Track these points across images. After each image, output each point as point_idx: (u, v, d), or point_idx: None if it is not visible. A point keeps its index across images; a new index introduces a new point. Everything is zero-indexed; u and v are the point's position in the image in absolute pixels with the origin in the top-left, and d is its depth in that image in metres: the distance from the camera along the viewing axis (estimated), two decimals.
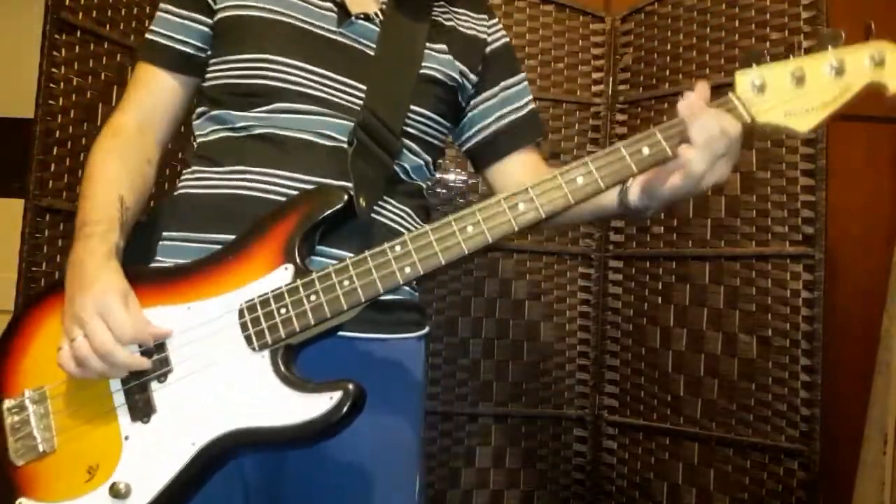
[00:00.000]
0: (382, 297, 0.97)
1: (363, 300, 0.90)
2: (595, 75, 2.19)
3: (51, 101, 1.67)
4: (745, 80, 0.94)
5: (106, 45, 1.79)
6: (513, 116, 1.20)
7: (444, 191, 2.10)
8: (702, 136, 0.90)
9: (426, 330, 1.14)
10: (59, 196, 1.67)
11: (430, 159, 1.15)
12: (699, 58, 2.03)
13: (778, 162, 1.87)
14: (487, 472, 2.07)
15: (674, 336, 2.01)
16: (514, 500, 2.07)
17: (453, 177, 2.11)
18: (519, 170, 1.18)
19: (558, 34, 2.18)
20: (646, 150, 0.92)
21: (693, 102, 0.92)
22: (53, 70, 1.67)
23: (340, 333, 0.97)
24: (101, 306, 0.90)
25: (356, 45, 1.08)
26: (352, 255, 0.93)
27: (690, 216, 2.01)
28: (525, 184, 0.92)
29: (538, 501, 2.09)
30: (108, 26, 1.80)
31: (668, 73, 2.09)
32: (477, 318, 2.09)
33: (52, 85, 1.67)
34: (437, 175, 2.10)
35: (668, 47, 2.09)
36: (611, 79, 2.18)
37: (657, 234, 2.07)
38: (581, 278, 2.14)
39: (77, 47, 1.73)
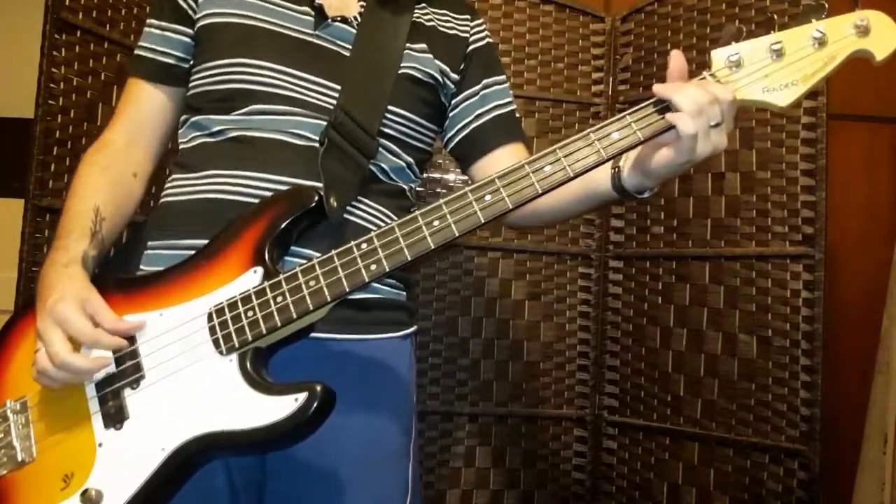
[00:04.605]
0: (363, 297, 0.97)
1: (329, 300, 0.89)
2: (595, 75, 2.19)
3: (51, 101, 1.67)
4: (721, 56, 0.92)
5: (106, 45, 1.79)
6: (495, 113, 1.20)
7: (444, 190, 2.10)
8: (690, 105, 0.87)
9: (412, 329, 1.14)
10: (59, 196, 1.67)
11: (411, 160, 1.14)
12: (699, 58, 2.03)
13: (778, 162, 1.87)
14: (487, 472, 2.07)
15: (674, 336, 2.01)
16: (514, 500, 2.07)
17: (453, 177, 2.11)
18: (504, 165, 1.17)
19: (558, 34, 2.18)
20: (615, 136, 0.90)
21: (667, 85, 0.90)
22: (53, 70, 1.67)
23: (320, 335, 0.97)
24: (57, 316, 0.90)
25: (332, 47, 1.08)
26: (323, 255, 0.92)
27: (690, 216, 2.01)
28: (493, 174, 0.91)
29: (538, 501, 2.09)
30: (108, 26, 1.80)
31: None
32: (477, 318, 2.09)
33: (52, 85, 1.67)
34: (437, 175, 2.10)
35: (668, 47, 2.09)
36: (611, 79, 2.18)
37: (657, 234, 2.07)
38: (581, 278, 2.14)
39: (77, 47, 1.72)
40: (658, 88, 0.90)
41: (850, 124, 2.26)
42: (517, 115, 1.24)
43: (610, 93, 2.18)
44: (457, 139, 1.21)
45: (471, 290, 2.10)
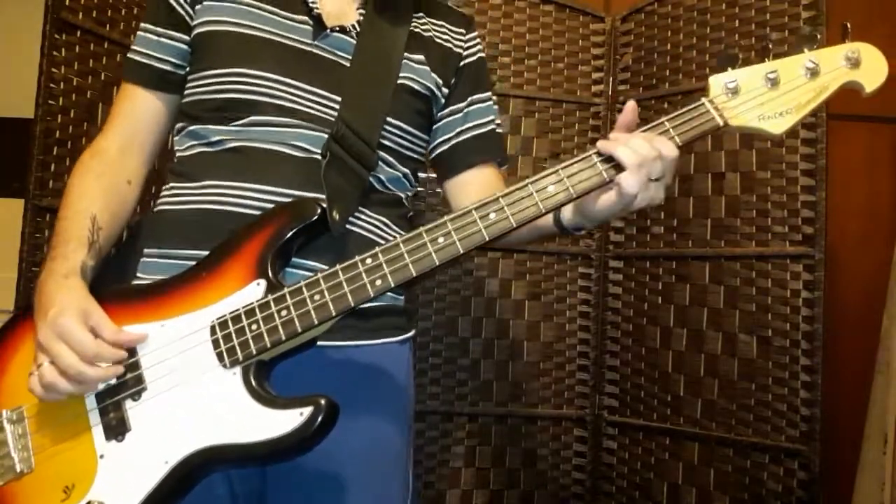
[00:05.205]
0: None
1: (334, 314, 0.90)
2: (595, 75, 2.19)
3: (51, 101, 1.67)
4: (719, 82, 0.94)
5: (106, 45, 1.79)
6: (473, 133, 1.21)
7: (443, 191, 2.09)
8: (633, 159, 0.90)
9: (410, 334, 1.14)
10: (59, 196, 1.64)
11: (407, 171, 1.15)
12: (699, 58, 2.03)
13: (778, 162, 1.87)
14: (487, 472, 2.07)
15: (674, 336, 2.01)
16: (514, 500, 2.07)
17: None
18: (473, 187, 1.18)
19: (558, 34, 2.18)
20: (619, 153, 0.92)
21: (612, 137, 0.93)
22: (53, 70, 1.67)
23: (320, 343, 0.96)
24: (59, 330, 0.89)
25: (331, 58, 1.08)
26: (325, 267, 0.92)
27: (690, 216, 2.01)
28: (496, 193, 0.92)
29: (538, 501, 2.09)
30: (108, 26, 1.80)
31: (668, 73, 2.09)
32: (477, 318, 2.09)
33: (52, 85, 1.67)
34: (437, 175, 2.09)
35: (668, 47, 2.09)
36: (611, 79, 2.18)
37: (657, 234, 2.07)
38: (581, 278, 2.14)
39: (77, 47, 1.73)
40: (602, 145, 0.93)
41: (850, 124, 2.26)
42: (498, 130, 1.24)
43: (610, 93, 2.18)
44: (435, 153, 1.22)
45: (471, 290, 2.10)
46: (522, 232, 1.06)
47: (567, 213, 1.03)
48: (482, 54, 1.24)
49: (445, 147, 1.21)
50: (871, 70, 0.92)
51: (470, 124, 1.20)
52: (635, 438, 2.05)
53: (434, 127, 1.20)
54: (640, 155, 0.90)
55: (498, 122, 1.25)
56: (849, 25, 0.93)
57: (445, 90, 1.18)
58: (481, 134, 1.21)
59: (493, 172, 1.22)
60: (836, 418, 1.99)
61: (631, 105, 0.96)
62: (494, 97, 1.26)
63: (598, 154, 0.93)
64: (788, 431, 1.80)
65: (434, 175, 2.08)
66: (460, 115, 1.20)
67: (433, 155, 1.23)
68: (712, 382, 1.93)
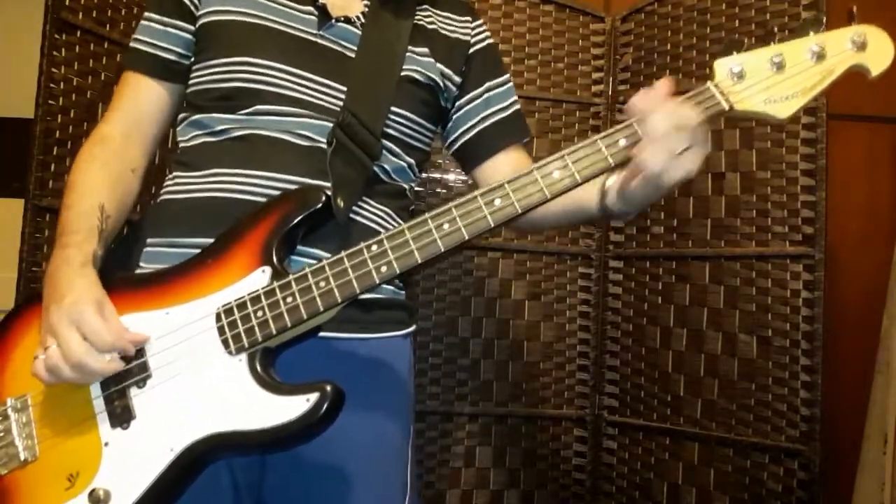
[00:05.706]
0: (364, 297, 0.97)
1: (339, 301, 0.90)
2: (595, 75, 2.19)
3: (51, 101, 1.67)
4: (724, 67, 0.93)
5: (106, 45, 1.79)
6: (497, 117, 1.21)
7: (444, 190, 2.10)
8: (651, 134, 0.88)
9: (412, 328, 1.14)
10: (59, 196, 1.63)
11: (412, 161, 1.15)
12: (699, 58, 2.03)
13: (778, 162, 1.87)
14: (487, 472, 2.07)
15: (674, 336, 2.01)
16: (514, 500, 2.07)
17: (453, 177, 2.11)
18: (504, 169, 1.18)
19: (558, 34, 2.18)
20: (622, 142, 0.91)
21: (636, 103, 0.91)
22: (53, 70, 1.67)
23: (322, 334, 0.97)
24: (75, 316, 0.89)
25: (336, 48, 1.08)
26: (329, 255, 0.92)
27: (690, 216, 2.01)
28: (502, 179, 0.92)
29: (538, 501, 2.09)
30: (108, 26, 1.80)
31: (668, 73, 2.08)
32: (477, 318, 2.09)
33: (52, 85, 1.67)
34: (438, 175, 2.10)
35: (668, 47, 2.09)
36: (611, 79, 2.18)
37: (657, 234, 2.07)
38: (581, 278, 2.14)
39: (77, 47, 1.73)
40: (632, 104, 0.91)
41: (850, 124, 2.26)
42: (520, 112, 1.24)
43: (610, 93, 2.18)
44: (459, 143, 1.22)
45: (471, 290, 2.10)
46: (559, 213, 1.06)
47: (611, 198, 1.01)
48: (491, 40, 1.24)
49: (470, 135, 1.21)
50: (877, 53, 0.91)
51: (492, 109, 1.21)
52: (635, 438, 2.05)
53: (453, 117, 1.20)
54: (657, 130, 0.88)
55: (516, 100, 1.24)
56: (855, 10, 0.92)
57: (457, 79, 1.18)
58: (505, 118, 1.22)
59: (521, 153, 1.23)
60: (836, 418, 1.99)
61: (665, 81, 0.93)
62: (510, 80, 1.25)
63: (603, 139, 0.92)
64: (788, 431, 1.80)
65: (434, 175, 2.09)
66: (480, 100, 1.20)
67: (456, 145, 1.23)
68: (712, 382, 1.93)
